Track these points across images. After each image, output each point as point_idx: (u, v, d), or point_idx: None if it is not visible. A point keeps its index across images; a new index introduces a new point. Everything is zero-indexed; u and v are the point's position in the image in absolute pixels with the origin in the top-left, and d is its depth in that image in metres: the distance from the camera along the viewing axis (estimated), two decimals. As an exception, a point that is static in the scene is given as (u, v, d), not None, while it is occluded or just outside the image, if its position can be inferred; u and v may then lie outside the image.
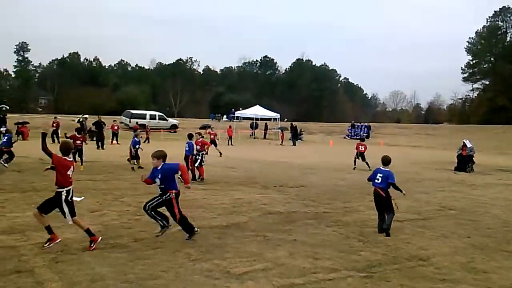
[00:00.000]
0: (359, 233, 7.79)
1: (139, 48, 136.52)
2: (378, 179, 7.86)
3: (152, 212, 6.83)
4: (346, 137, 49.26)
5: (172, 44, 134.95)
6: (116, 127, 30.07)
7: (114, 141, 29.00)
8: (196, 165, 13.52)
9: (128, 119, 40.58)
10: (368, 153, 19.13)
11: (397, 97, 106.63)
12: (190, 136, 14.23)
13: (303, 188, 12.99)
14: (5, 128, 28.39)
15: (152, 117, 42.56)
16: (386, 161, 8.04)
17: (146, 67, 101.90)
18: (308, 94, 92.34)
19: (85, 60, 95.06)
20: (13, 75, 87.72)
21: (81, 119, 32.20)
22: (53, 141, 26.25)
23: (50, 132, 27.10)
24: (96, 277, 5.20)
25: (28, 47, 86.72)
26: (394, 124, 69.48)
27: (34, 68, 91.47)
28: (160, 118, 43.17)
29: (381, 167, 8.03)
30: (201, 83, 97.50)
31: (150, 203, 6.80)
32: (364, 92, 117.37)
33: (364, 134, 46.50)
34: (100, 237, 6.43)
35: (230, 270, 5.61)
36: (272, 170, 17.42)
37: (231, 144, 33.26)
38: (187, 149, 13.74)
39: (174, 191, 6.79)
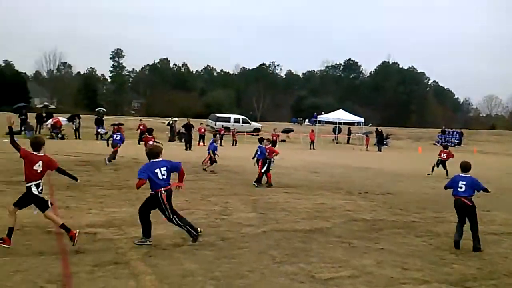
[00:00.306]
0: (451, 244, 7.34)
1: (224, 54, 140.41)
2: (461, 187, 7.28)
3: (175, 218, 6.55)
4: (436, 143, 46.75)
5: (255, 49, 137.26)
6: (203, 130, 31.21)
7: (201, 143, 30.05)
8: (263, 170, 13.22)
9: (214, 122, 41.93)
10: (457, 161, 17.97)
11: (492, 102, 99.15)
12: (261, 141, 14.20)
13: (390, 195, 12.54)
14: (103, 130, 30.77)
15: (236, 121, 43.61)
16: (465, 167, 7.47)
17: (231, 72, 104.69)
18: (394, 98, 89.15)
19: (174, 66, 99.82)
20: (109, 80, 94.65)
21: (170, 122, 33.81)
22: (139, 143, 26.46)
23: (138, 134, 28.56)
24: (186, 272, 5.42)
25: (123, 54, 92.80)
26: (488, 130, 64.83)
27: (128, 73, 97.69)
28: (244, 121, 44.12)
29: (460, 174, 7.49)
30: (283, 87, 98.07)
31: (140, 207, 6.61)
32: (456, 97, 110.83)
33: (456, 141, 43.91)
34: (77, 231, 6.27)
35: (315, 275, 5.56)
36: (356, 176, 17.02)
37: (313, 148, 33.05)
38: (259, 153, 13.65)
39: (163, 188, 6.41)
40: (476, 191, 7.33)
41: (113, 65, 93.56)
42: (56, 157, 16.95)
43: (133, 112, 77.44)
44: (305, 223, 8.48)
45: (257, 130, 43.40)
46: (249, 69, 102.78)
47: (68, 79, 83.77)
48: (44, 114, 32.45)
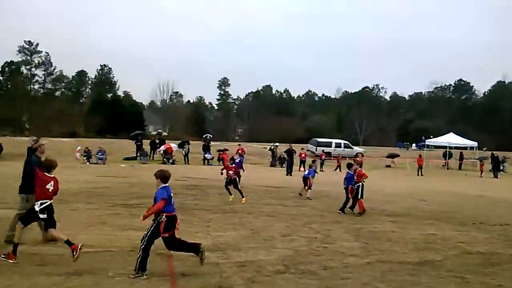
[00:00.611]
0: None
1: (325, 79, 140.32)
2: None
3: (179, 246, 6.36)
4: None
5: (358, 72, 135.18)
6: (303, 155, 31.28)
7: (302, 168, 30.09)
8: (354, 196, 12.48)
9: (315, 147, 41.78)
10: None
11: None
12: (349, 166, 13.35)
13: (509, 226, 11.40)
14: (210, 155, 32.29)
15: (338, 145, 43.02)
16: None
17: (332, 96, 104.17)
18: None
19: (276, 92, 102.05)
20: (216, 108, 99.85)
21: (272, 147, 34.44)
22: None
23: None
24: (288, 300, 5.41)
25: (229, 82, 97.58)
26: None
27: (233, 101, 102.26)
28: (345, 146, 43.35)
29: None
30: (388, 110, 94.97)
31: (144, 236, 6.24)
32: None
33: None
34: (80, 244, 6.31)
35: (425, 312, 5.22)
36: (470, 205, 15.76)
37: (421, 175, 31.32)
38: (347, 178, 12.96)
39: (165, 213, 6.19)
40: None
41: (219, 93, 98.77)
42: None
43: (237, 138, 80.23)
44: (413, 255, 8.02)
45: (359, 155, 42.39)
46: (351, 92, 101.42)
47: (179, 108, 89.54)
48: (157, 141, 34.93)
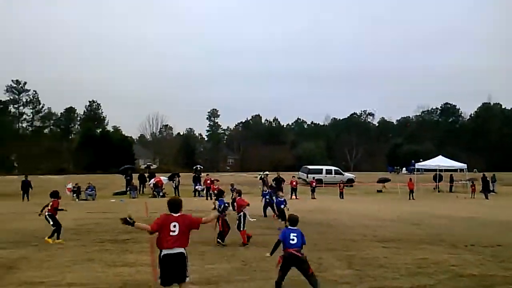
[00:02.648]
0: None
1: (314, 106, 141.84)
2: None
3: None
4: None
5: (344, 99, 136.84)
6: (294, 183, 31.26)
7: (293, 196, 30.03)
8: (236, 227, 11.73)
9: (306, 175, 41.81)
10: None
11: None
12: (220, 194, 12.73)
13: (501, 247, 11.39)
14: (201, 187, 32.11)
15: (328, 172, 43.11)
16: None
17: (321, 123, 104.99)
18: (500, 141, 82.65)
19: (265, 121, 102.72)
20: (206, 139, 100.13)
21: (262, 176, 34.40)
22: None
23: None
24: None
25: (218, 113, 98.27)
26: None
27: (223, 131, 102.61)
28: (336, 172, 43.43)
29: None
30: (377, 135, 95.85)
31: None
32: None
33: None
34: None
35: None
36: (461, 227, 15.76)
37: (412, 198, 31.36)
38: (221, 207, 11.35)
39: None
40: None
41: (209, 124, 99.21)
42: (158, 215, 17.96)
43: (228, 168, 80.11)
44: (406, 280, 7.96)
45: (350, 180, 42.45)
46: (339, 119, 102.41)
47: (169, 140, 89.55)
48: (147, 174, 34.77)
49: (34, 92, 79.80)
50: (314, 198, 31.12)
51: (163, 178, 33.12)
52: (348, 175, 44.84)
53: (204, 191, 30.56)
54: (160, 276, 5.83)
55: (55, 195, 12.37)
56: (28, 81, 79.31)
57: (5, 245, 11.26)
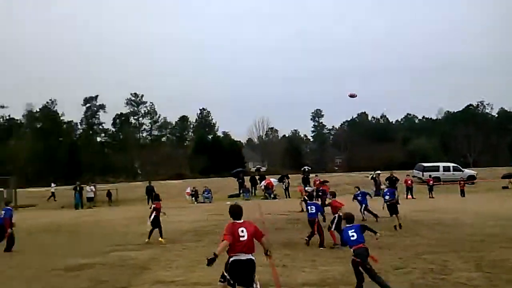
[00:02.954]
0: None
1: (425, 100, 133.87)
2: None
3: None
4: None
5: (460, 91, 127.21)
6: (410, 182, 29.86)
7: (409, 196, 28.72)
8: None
9: (421, 173, 39.68)
10: None
11: None
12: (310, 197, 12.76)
13: None
14: (310, 188, 32.09)
15: (446, 169, 40.42)
16: None
17: (434, 118, 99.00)
18: None
19: (372, 118, 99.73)
20: (311, 139, 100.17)
21: (374, 175, 33.38)
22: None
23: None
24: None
25: (322, 113, 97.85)
26: None
27: (328, 131, 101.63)
28: (455, 169, 40.53)
29: None
30: (496, 127, 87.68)
31: None
32: None
33: None
34: None
35: None
36: None
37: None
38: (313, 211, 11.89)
39: None
40: None
41: (313, 125, 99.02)
42: (271, 216, 18.39)
43: (336, 168, 79.08)
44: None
45: (471, 177, 39.34)
46: (454, 112, 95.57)
47: (275, 143, 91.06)
48: (257, 177, 35.68)
49: (151, 104, 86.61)
50: (432, 197, 29.47)
51: (273, 180, 33.72)
52: (468, 171, 41.55)
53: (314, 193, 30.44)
54: (228, 281, 5.88)
55: (156, 198, 13.69)
56: (144, 93, 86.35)
57: (136, 246, 12.33)
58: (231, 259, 5.86)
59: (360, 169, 54.47)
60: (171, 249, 11.66)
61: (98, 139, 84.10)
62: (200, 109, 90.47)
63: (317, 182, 29.70)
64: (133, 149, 74.12)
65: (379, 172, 33.87)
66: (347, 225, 7.42)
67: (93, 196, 31.96)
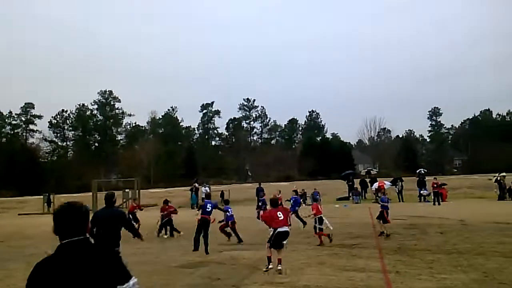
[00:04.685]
0: None
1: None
2: None
3: None
4: None
5: None
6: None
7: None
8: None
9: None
10: None
11: None
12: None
13: None
14: (426, 191, 30.33)
15: None
16: None
17: None
18: None
19: (497, 115, 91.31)
20: (427, 140, 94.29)
21: (498, 178, 30.51)
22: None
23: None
24: None
25: (440, 112, 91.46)
26: None
27: (446, 131, 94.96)
28: None
29: None
30: None
31: None
32: None
33: None
34: None
35: None
36: None
37: None
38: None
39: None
40: None
41: (430, 124, 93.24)
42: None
43: (455, 170, 73.77)
44: None
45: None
46: None
47: (388, 144, 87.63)
48: (367, 180, 34.67)
49: (262, 108, 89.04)
50: None
51: (386, 182, 32.45)
52: None
53: (431, 196, 28.71)
54: (272, 243, 9.17)
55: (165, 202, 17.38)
56: (256, 98, 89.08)
57: (248, 246, 12.70)
58: (276, 230, 9.25)
59: (482, 171, 50.21)
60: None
61: (213, 142, 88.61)
62: (309, 111, 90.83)
63: (434, 185, 27.95)
64: (245, 152, 76.76)
65: (504, 174, 30.83)
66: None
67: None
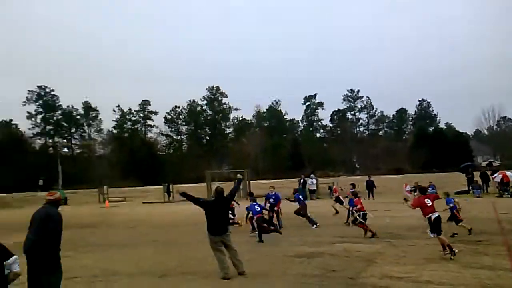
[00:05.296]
0: None
1: None
2: None
3: None
4: None
5: None
6: None
7: None
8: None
9: None
10: None
11: None
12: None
13: None
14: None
15: None
16: None
17: None
18: None
19: None
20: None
21: None
22: None
23: None
24: None
25: None
26: None
27: None
28: None
29: None
30: None
31: None
32: None
33: None
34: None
35: None
36: None
37: None
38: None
39: None
40: None
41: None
42: (509, 216, 16.19)
43: None
44: None
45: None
46: None
47: (510, 133, 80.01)
48: (489, 172, 31.90)
49: (367, 98, 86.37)
50: None
51: (510, 174, 29.53)
52: None
53: None
54: (434, 229, 9.70)
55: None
56: (361, 88, 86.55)
57: (363, 240, 12.46)
58: (432, 216, 9.72)
59: None
60: (397, 244, 11.39)
61: (318, 135, 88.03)
62: (419, 101, 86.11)
63: None
64: (351, 143, 75.17)
65: None
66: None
67: (315, 188, 33.57)
